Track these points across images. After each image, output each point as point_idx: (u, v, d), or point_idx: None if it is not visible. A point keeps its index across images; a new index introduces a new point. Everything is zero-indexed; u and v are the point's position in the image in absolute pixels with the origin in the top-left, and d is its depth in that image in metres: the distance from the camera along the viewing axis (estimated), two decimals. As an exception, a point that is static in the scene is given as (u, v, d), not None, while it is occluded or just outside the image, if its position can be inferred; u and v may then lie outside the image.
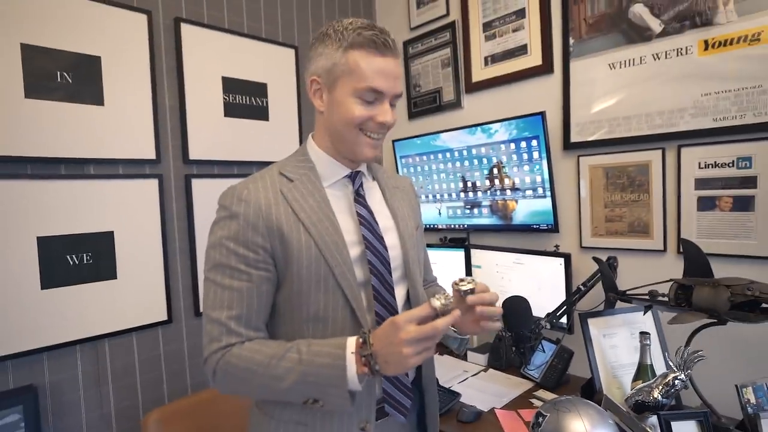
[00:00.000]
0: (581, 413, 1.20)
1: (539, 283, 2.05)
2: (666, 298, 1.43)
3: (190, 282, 2.09)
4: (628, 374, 1.61)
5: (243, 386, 0.96)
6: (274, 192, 1.03)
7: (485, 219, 2.38)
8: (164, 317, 2.01)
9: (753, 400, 1.40)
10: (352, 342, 0.93)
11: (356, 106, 1.00)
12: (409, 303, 1.14)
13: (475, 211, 2.41)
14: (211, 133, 2.13)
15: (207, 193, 2.09)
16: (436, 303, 0.89)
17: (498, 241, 2.38)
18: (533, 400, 1.79)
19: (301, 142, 2.33)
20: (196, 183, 2.07)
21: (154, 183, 1.95)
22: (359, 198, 1.11)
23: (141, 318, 1.95)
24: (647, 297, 1.50)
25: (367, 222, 1.08)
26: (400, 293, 1.11)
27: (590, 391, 1.65)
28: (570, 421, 1.20)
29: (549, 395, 1.81)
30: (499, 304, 1.13)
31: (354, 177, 1.13)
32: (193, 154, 2.07)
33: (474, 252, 2.34)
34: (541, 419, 1.25)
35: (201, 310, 1.87)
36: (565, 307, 1.83)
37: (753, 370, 1.62)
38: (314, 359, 0.92)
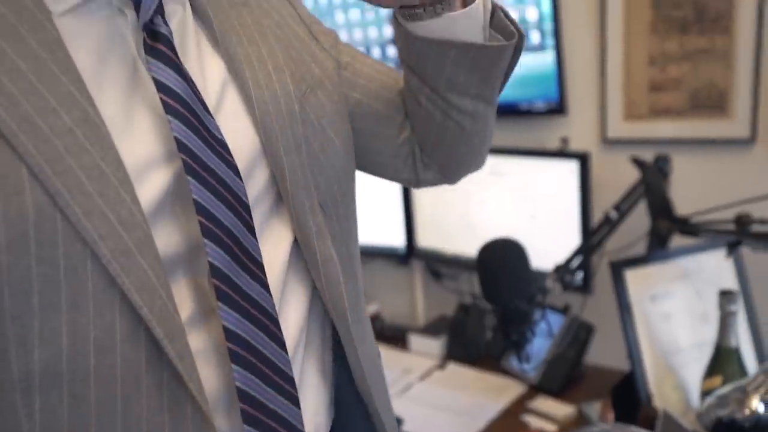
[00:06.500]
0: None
1: (534, 207, 1.59)
2: (766, 227, 1.24)
3: None
4: (691, 365, 1.34)
5: None
6: None
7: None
8: None
9: None
10: None
11: None
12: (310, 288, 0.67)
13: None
14: None
15: None
16: None
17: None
18: (529, 417, 1.44)
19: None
20: None
21: None
22: (157, 44, 0.59)
23: None
24: (730, 227, 1.28)
25: (180, 103, 0.58)
26: (274, 258, 0.63)
27: (627, 396, 1.29)
28: (622, 476, 1.08)
29: (556, 406, 1.44)
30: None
31: None
32: None
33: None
34: (567, 468, 1.12)
35: None
36: (582, 251, 1.35)
37: None
38: None
